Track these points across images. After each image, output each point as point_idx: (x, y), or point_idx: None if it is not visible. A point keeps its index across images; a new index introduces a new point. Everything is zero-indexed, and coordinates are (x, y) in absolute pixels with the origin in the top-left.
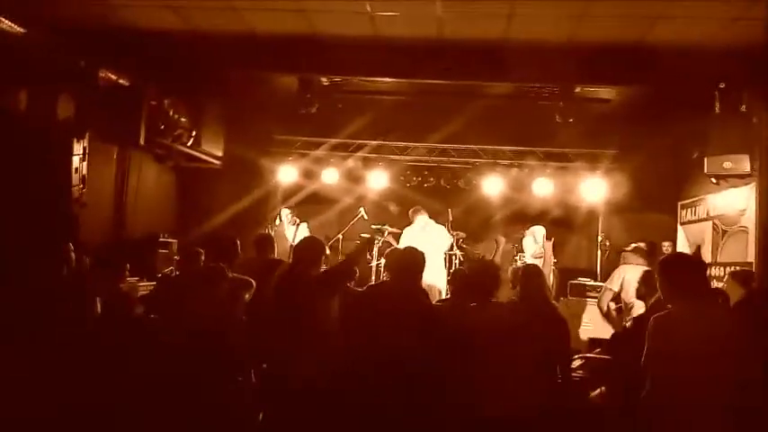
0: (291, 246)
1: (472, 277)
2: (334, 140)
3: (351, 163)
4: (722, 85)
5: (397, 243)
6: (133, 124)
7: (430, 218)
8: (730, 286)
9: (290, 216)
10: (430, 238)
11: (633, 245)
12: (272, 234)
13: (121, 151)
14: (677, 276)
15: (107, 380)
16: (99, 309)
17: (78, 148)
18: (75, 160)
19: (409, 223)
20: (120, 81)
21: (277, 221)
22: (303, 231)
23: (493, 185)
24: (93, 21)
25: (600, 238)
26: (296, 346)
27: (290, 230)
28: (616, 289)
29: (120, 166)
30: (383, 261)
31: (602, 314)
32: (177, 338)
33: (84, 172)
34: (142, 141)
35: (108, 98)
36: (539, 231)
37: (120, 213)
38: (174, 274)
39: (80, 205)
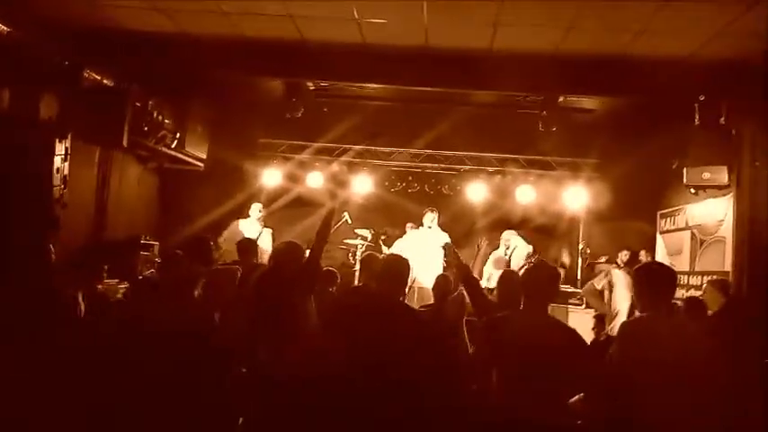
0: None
1: (530, 281)
2: (318, 144)
3: (335, 167)
4: (702, 98)
5: (383, 249)
6: (116, 125)
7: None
8: (710, 294)
9: (259, 213)
10: (431, 240)
11: (604, 257)
12: (240, 229)
13: (104, 152)
14: (653, 284)
15: (84, 381)
16: (82, 309)
17: (60, 149)
18: (57, 160)
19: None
20: (105, 81)
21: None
22: (265, 237)
23: (476, 192)
24: (78, 21)
25: (581, 246)
26: (279, 347)
27: (253, 228)
28: (599, 287)
29: (102, 166)
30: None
31: (590, 302)
32: (156, 341)
33: (66, 172)
34: (125, 143)
35: (91, 98)
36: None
37: (101, 215)
38: (152, 276)
39: (61, 206)
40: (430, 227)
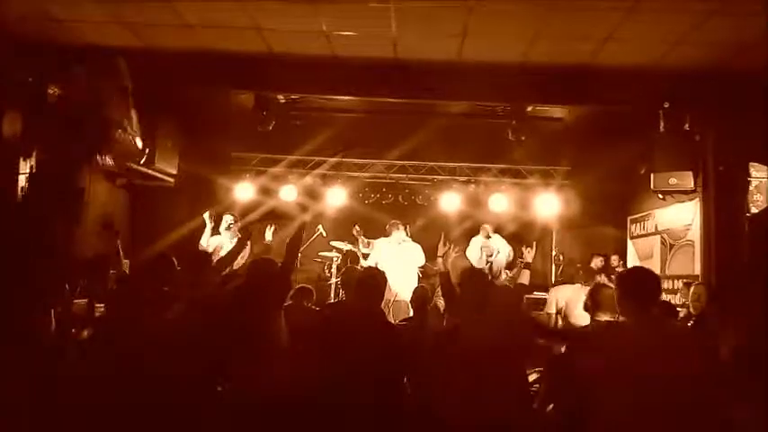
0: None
1: (463, 287)
2: (291, 157)
3: (309, 180)
4: (666, 105)
5: (359, 260)
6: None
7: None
8: (702, 296)
9: (231, 224)
10: (405, 254)
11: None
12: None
13: None
14: (637, 290)
15: (55, 404)
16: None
17: (25, 168)
18: (22, 180)
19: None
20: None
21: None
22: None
23: (450, 202)
24: (43, 36)
25: (554, 253)
26: (252, 363)
27: (226, 239)
28: (553, 311)
29: None
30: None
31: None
32: (127, 362)
33: None
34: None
35: (57, 115)
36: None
37: (69, 234)
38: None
39: None
40: (403, 240)
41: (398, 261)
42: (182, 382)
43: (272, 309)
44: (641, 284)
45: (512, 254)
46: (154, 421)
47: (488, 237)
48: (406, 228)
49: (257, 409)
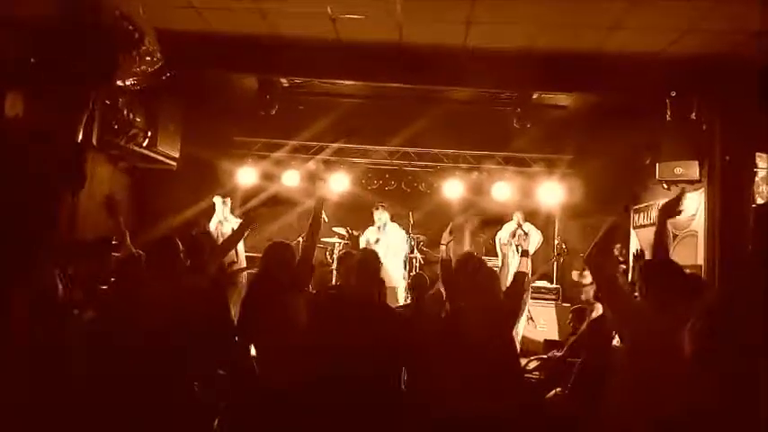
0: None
1: (460, 273)
2: (294, 142)
3: (312, 165)
4: (673, 94)
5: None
6: (86, 124)
7: (392, 219)
8: None
9: (222, 204)
10: (386, 238)
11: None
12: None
13: None
14: (653, 283)
15: (53, 385)
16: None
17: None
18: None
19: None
20: None
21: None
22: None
23: (453, 189)
24: (43, 16)
25: (557, 242)
26: (274, 348)
27: (235, 224)
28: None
29: None
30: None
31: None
32: (127, 344)
33: None
34: (95, 142)
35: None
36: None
37: (71, 216)
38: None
39: None
40: (385, 224)
41: (380, 246)
42: (182, 371)
43: (290, 293)
44: (662, 279)
45: (540, 243)
46: (154, 413)
47: (520, 224)
48: (409, 214)
49: (273, 395)
